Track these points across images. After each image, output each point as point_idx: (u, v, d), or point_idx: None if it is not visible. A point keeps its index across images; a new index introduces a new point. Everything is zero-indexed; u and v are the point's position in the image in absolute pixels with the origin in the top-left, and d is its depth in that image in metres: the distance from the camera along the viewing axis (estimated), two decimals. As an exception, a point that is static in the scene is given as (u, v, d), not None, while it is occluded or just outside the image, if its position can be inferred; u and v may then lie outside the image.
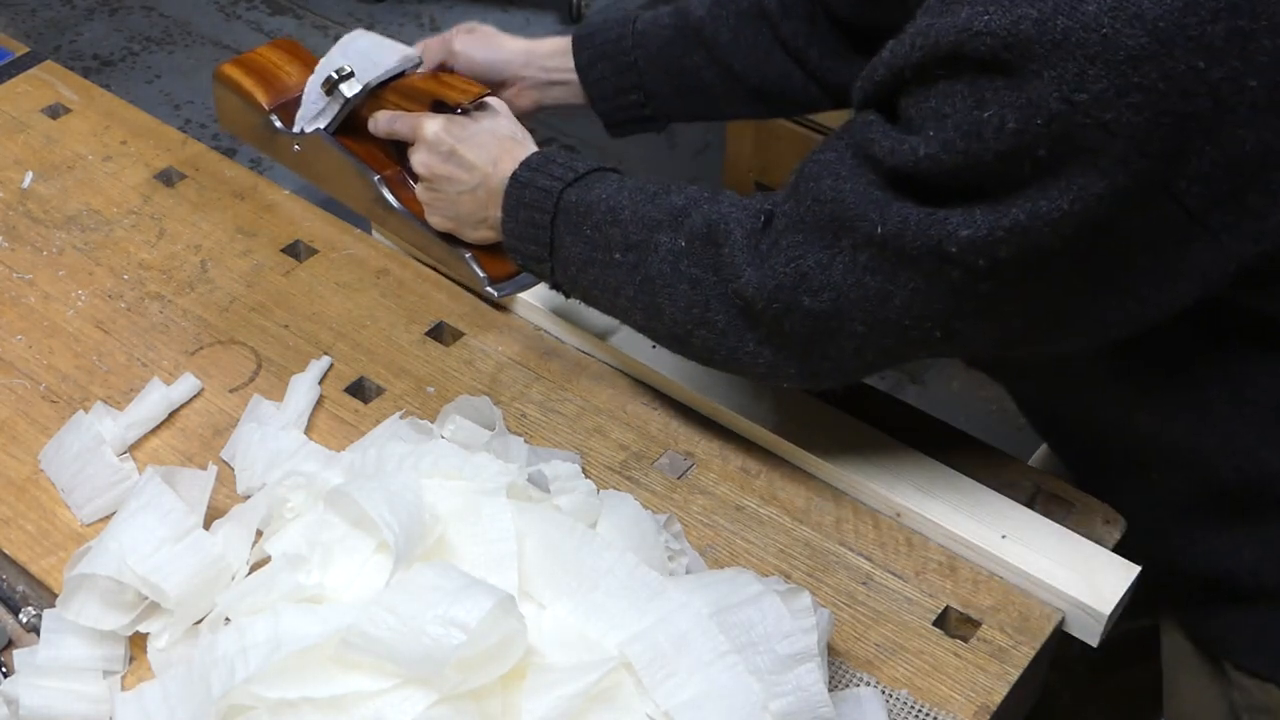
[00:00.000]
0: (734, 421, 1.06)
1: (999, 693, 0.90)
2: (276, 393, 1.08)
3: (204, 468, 0.99)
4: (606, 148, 2.75)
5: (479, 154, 1.08)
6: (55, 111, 1.36)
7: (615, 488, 1.01)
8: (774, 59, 1.20)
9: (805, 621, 0.84)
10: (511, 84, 1.25)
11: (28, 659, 0.87)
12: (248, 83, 1.27)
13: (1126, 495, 1.01)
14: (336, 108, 1.20)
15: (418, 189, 1.14)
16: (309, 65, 1.26)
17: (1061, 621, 0.94)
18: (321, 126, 1.22)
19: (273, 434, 1.02)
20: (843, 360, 0.89)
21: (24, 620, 0.93)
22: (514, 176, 1.04)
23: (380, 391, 1.10)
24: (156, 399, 1.06)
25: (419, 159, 1.11)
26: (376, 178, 1.19)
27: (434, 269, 1.20)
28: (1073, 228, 0.76)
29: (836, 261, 0.83)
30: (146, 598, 0.88)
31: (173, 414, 1.07)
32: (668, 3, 1.24)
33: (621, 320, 1.02)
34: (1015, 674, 0.91)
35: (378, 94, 1.18)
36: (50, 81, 1.41)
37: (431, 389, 1.09)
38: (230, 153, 2.62)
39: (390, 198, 1.18)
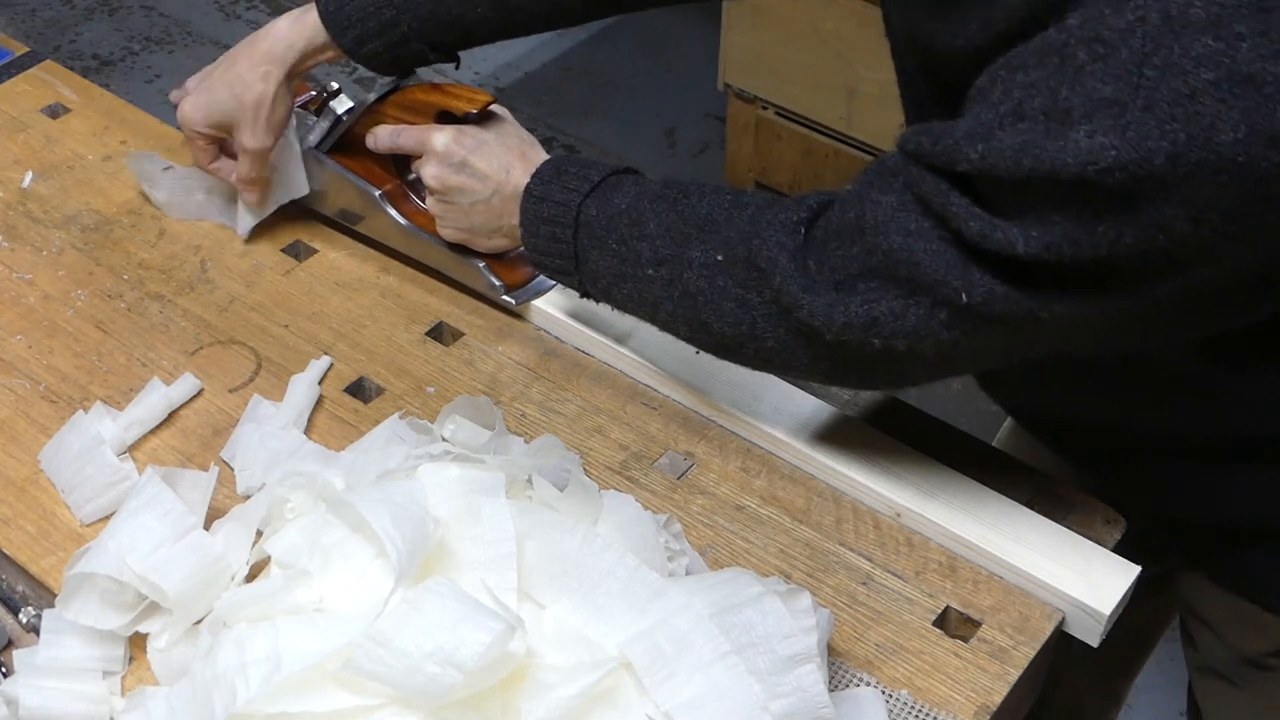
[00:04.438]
0: (734, 421, 1.06)
1: (999, 693, 0.90)
2: (276, 393, 1.08)
3: (204, 468, 0.99)
4: (607, 148, 2.75)
5: (491, 163, 1.07)
6: (55, 111, 1.36)
7: (615, 488, 1.01)
8: None
9: (805, 622, 0.84)
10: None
11: (28, 659, 0.87)
12: None
13: (1147, 447, 1.01)
14: (327, 125, 1.19)
15: (429, 202, 1.12)
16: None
17: (1062, 621, 0.94)
18: (313, 144, 1.20)
19: (272, 434, 1.02)
20: (904, 380, 0.91)
21: (24, 620, 0.93)
22: (528, 190, 1.03)
23: (380, 391, 1.10)
24: (156, 399, 1.06)
25: (430, 172, 1.09)
26: (378, 194, 1.17)
27: (436, 274, 1.20)
28: (1176, 300, 0.76)
29: (910, 312, 0.82)
30: (146, 598, 0.88)
31: (172, 414, 1.07)
32: None
33: (665, 331, 1.00)
34: (1015, 674, 0.91)
35: (375, 110, 1.16)
36: (50, 81, 1.40)
37: (431, 389, 1.09)
38: (230, 152, 2.62)
39: (395, 214, 1.17)
